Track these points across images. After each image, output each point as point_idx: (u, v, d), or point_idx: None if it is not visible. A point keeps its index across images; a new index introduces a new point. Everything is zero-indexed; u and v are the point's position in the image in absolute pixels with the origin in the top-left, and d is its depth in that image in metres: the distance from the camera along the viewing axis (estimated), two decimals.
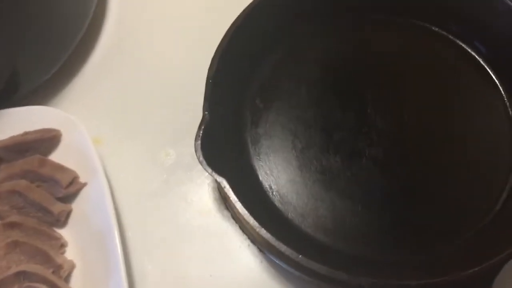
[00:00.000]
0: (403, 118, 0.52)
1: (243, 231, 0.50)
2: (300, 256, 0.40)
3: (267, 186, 0.50)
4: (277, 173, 0.50)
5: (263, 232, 0.42)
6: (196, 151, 0.44)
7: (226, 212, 0.51)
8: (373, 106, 0.53)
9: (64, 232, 0.49)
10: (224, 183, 0.43)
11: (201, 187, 0.53)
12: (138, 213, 0.52)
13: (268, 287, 0.49)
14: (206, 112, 0.47)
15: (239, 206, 0.43)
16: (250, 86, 0.53)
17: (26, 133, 0.51)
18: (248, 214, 0.42)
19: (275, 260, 0.46)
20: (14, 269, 0.45)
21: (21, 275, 0.45)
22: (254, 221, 0.42)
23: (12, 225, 0.48)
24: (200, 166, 0.53)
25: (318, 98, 0.54)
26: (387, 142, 0.51)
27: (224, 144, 0.48)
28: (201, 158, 0.44)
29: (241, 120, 0.52)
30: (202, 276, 0.49)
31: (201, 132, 0.45)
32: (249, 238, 0.50)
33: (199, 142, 0.45)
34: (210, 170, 0.44)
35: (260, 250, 0.49)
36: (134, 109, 0.57)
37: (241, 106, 0.53)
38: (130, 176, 0.53)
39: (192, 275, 0.49)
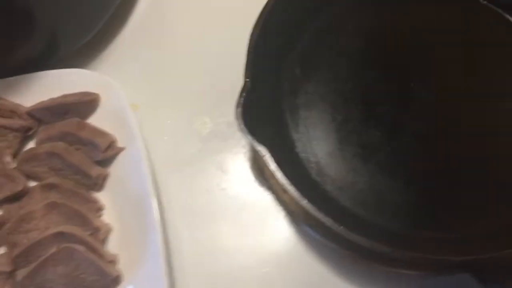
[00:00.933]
0: (447, 93, 0.51)
1: (279, 202, 0.50)
2: (342, 227, 0.39)
3: (305, 158, 0.49)
4: (315, 145, 0.49)
5: (304, 202, 0.41)
6: (237, 118, 0.44)
7: (262, 183, 0.51)
8: (416, 80, 0.51)
9: (100, 196, 0.49)
10: (264, 152, 0.43)
11: (237, 156, 0.52)
12: (173, 181, 0.51)
13: (301, 259, 0.48)
14: (248, 79, 0.46)
15: (279, 175, 0.42)
16: (290, 55, 0.52)
17: (65, 96, 0.51)
18: (288, 184, 0.42)
19: (312, 232, 0.46)
20: (52, 230, 0.46)
21: (59, 236, 0.45)
22: (295, 190, 0.42)
23: (50, 187, 0.49)
24: (236, 136, 0.54)
25: (359, 70, 0.52)
26: (429, 117, 0.50)
27: (263, 113, 0.47)
28: (242, 126, 0.43)
29: (280, 89, 0.51)
30: (235, 245, 0.49)
31: (242, 99, 0.45)
32: (285, 209, 0.49)
33: (240, 109, 0.44)
34: (250, 138, 0.43)
35: (296, 222, 0.49)
36: (172, 77, 0.56)
37: (281, 75, 0.51)
38: (166, 143, 0.53)
39: (226, 244, 0.49)
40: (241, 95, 0.45)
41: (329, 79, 0.52)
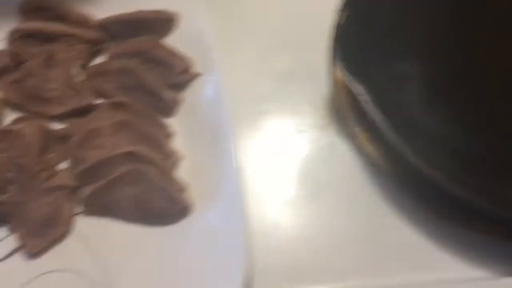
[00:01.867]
0: None
1: (359, 152, 0.46)
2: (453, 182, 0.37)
3: (397, 107, 0.44)
4: (408, 95, 0.44)
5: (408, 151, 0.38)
6: (334, 51, 0.41)
7: (341, 129, 0.48)
8: None
9: (171, 122, 0.46)
10: (363, 91, 0.40)
11: (316, 99, 0.49)
12: (247, 117, 0.48)
13: (380, 210, 0.44)
14: (349, 14, 0.43)
15: (378, 118, 0.39)
16: None
17: (141, 11, 0.48)
18: (392, 131, 0.39)
19: (399, 188, 0.43)
20: (122, 149, 0.43)
21: (130, 156, 0.43)
22: (398, 137, 0.38)
23: (119, 106, 0.46)
24: (316, 77, 0.49)
25: (456, 21, 0.48)
26: None
27: (357, 53, 0.44)
28: (340, 60, 0.41)
29: (374, 33, 0.47)
30: (306, 192, 0.46)
31: (342, 34, 0.42)
32: (366, 160, 0.46)
33: (337, 42, 0.41)
34: (348, 73, 0.40)
35: (379, 173, 0.46)
36: (253, 8, 0.53)
37: (375, 18, 0.48)
38: (240, 77, 0.50)
39: (297, 188, 0.46)
40: (341, 30, 0.42)
41: (425, 26, 0.47)
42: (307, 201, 0.46)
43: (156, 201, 0.42)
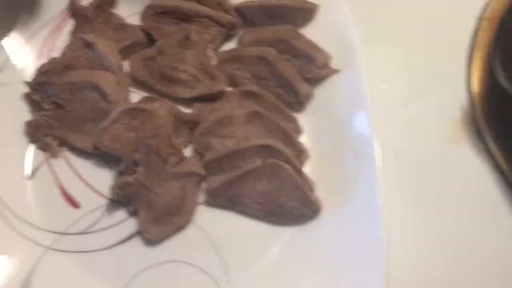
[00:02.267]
0: None
1: (497, 171, 0.43)
2: None
3: None
4: None
5: None
6: (495, 60, 0.38)
7: (476, 144, 0.44)
8: None
9: (299, 117, 0.44)
10: None
11: (451, 111, 0.46)
12: (387, 121, 0.44)
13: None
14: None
15: None
16: None
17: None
18: None
19: None
20: (257, 141, 0.41)
21: (265, 150, 0.40)
22: None
23: (250, 95, 0.44)
24: (452, 87, 0.46)
25: None
26: None
27: None
28: (499, 70, 0.37)
29: None
30: (438, 199, 0.43)
31: (505, 41, 0.38)
32: (504, 179, 0.42)
33: (502, 50, 0.38)
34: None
35: None
36: (396, 6, 0.49)
37: None
38: (376, 78, 0.46)
39: (429, 195, 0.43)
40: (503, 37, 0.39)
41: None
42: (437, 213, 0.43)
43: (288, 199, 0.40)
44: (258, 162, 0.40)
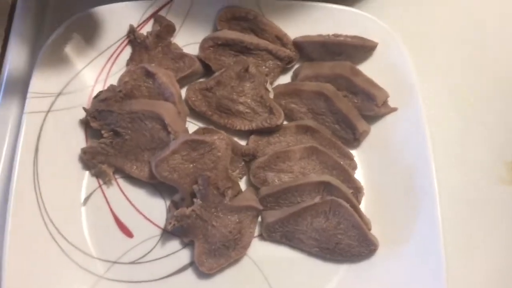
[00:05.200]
0: None
1: None
2: None
3: None
4: None
5: None
6: None
7: None
8: None
9: (355, 154, 0.44)
10: None
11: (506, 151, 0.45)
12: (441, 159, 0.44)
13: None
14: None
15: None
16: None
17: (339, 35, 0.45)
18: None
19: None
20: (316, 178, 0.40)
21: (323, 186, 0.40)
22: None
23: (306, 129, 0.44)
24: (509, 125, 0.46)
25: None
26: None
27: None
28: None
29: None
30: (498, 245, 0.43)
31: None
32: None
33: None
34: None
35: None
36: (444, 43, 0.49)
37: None
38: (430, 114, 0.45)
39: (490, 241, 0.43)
40: None
41: None
42: (495, 258, 0.42)
43: (345, 237, 0.40)
44: (316, 199, 0.40)
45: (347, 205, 0.39)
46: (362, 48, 0.45)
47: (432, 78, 0.48)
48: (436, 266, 0.38)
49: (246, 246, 0.40)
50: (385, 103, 0.44)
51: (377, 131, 0.44)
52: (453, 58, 0.49)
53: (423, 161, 0.41)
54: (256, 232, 0.41)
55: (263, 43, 0.45)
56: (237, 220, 0.40)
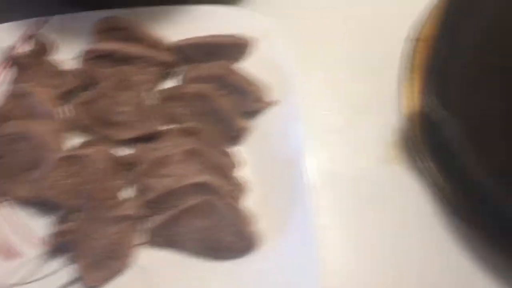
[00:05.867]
0: None
1: (435, 189, 0.43)
2: None
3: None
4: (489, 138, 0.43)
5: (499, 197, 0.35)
6: (426, 85, 0.38)
7: (413, 164, 0.45)
8: None
9: (239, 150, 0.44)
10: (452, 127, 0.37)
11: (386, 131, 0.46)
12: (316, 147, 0.45)
13: (448, 253, 0.42)
14: (439, 44, 0.40)
15: (464, 156, 0.36)
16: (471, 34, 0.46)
17: (215, 36, 0.46)
18: (483, 172, 0.36)
19: (470, 227, 0.40)
20: (193, 179, 0.41)
21: (200, 187, 0.41)
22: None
23: (189, 132, 0.44)
24: (388, 109, 0.47)
25: None
26: None
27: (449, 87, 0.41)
28: (430, 94, 0.38)
29: (459, 68, 0.44)
30: (373, 221, 0.44)
31: (433, 65, 0.39)
32: (442, 196, 0.43)
33: (432, 77, 0.39)
34: (438, 109, 0.37)
35: (453, 212, 0.43)
36: (329, 36, 0.50)
37: (460, 54, 0.45)
38: (312, 106, 0.46)
39: (367, 225, 0.44)
40: (432, 60, 0.39)
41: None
42: (372, 234, 0.43)
43: (225, 235, 0.40)
44: (193, 200, 0.40)
45: (224, 204, 0.40)
46: (238, 46, 0.45)
47: (315, 72, 0.48)
48: (309, 254, 0.38)
49: (127, 255, 0.40)
50: (261, 98, 0.44)
51: (259, 127, 0.44)
52: (336, 52, 0.50)
53: (298, 153, 0.41)
54: (144, 239, 0.42)
55: (139, 51, 0.45)
56: (117, 230, 0.40)
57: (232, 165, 0.44)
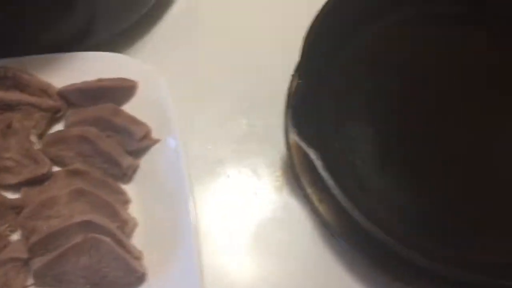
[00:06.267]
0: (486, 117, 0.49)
1: (313, 212, 0.47)
2: (395, 241, 0.37)
3: (347, 168, 0.47)
4: (357, 157, 0.47)
5: (356, 212, 0.39)
6: (288, 119, 0.42)
7: (296, 191, 0.48)
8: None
9: (127, 188, 0.46)
10: (315, 156, 0.41)
11: (272, 162, 0.50)
12: (205, 180, 0.49)
13: (331, 273, 0.45)
14: (300, 81, 0.44)
15: (330, 183, 0.40)
16: (337, 64, 0.51)
17: (101, 80, 0.48)
18: (340, 192, 0.40)
19: (347, 246, 0.44)
20: (78, 218, 0.42)
21: (85, 225, 0.42)
22: (346, 199, 0.40)
23: (76, 173, 0.46)
24: (272, 139, 0.51)
25: (404, 86, 0.51)
26: (479, 135, 0.48)
27: (311, 118, 0.46)
28: (294, 127, 0.41)
29: (326, 98, 0.49)
30: (262, 254, 0.46)
31: (295, 100, 0.43)
32: (318, 220, 0.46)
33: (292, 110, 0.43)
34: (302, 141, 0.41)
35: (331, 234, 0.46)
36: (209, 74, 0.54)
37: (327, 83, 0.50)
38: (198, 141, 0.50)
39: (253, 252, 0.46)
40: (294, 96, 0.43)
41: (375, 91, 0.50)
42: (261, 261, 0.46)
43: (111, 270, 0.41)
44: (77, 238, 0.41)
45: (108, 240, 0.41)
46: (122, 89, 0.48)
47: (192, 108, 0.51)
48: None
49: None
50: (147, 136, 0.46)
51: (146, 164, 0.47)
52: (223, 90, 0.53)
53: (182, 188, 0.44)
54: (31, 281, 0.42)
55: (25, 98, 0.47)
56: (2, 273, 0.41)
57: (120, 203, 0.45)
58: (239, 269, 0.46)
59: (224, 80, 0.54)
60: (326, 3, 0.46)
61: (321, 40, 0.47)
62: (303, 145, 0.41)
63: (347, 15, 0.50)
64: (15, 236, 0.44)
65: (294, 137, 0.42)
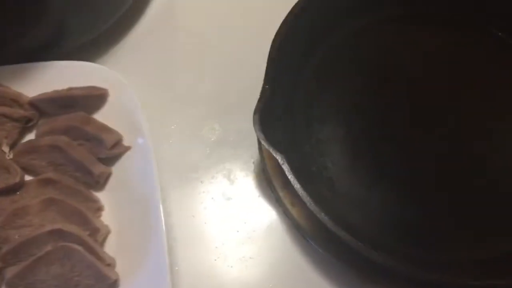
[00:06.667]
0: (468, 116, 0.50)
1: (285, 215, 0.48)
2: (362, 244, 0.38)
3: (317, 172, 0.48)
4: (328, 159, 0.48)
5: (322, 215, 0.40)
6: (254, 124, 0.42)
7: (268, 195, 0.49)
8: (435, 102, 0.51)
9: (100, 196, 0.47)
10: (282, 161, 0.41)
11: (245, 166, 0.51)
12: (177, 186, 0.49)
13: (304, 276, 0.46)
14: (267, 86, 0.45)
15: (297, 186, 0.41)
16: (308, 66, 0.51)
17: (71, 88, 0.49)
18: (306, 196, 0.40)
19: (319, 249, 0.45)
20: (49, 227, 0.43)
21: (56, 234, 0.42)
22: (312, 203, 0.40)
23: (48, 182, 0.46)
24: (245, 144, 0.52)
25: (374, 88, 0.52)
26: (446, 137, 0.49)
27: (279, 123, 0.46)
28: (260, 133, 0.42)
29: (296, 100, 0.49)
30: (237, 259, 0.47)
31: (261, 105, 0.43)
32: (291, 223, 0.47)
33: (258, 115, 0.43)
34: (268, 146, 0.42)
35: (303, 237, 0.47)
36: (181, 80, 0.54)
37: (297, 85, 0.50)
38: (171, 147, 0.51)
39: (228, 256, 0.47)
40: (260, 101, 0.44)
41: (345, 93, 0.51)
42: (234, 265, 0.47)
43: (83, 278, 0.42)
44: (48, 247, 0.42)
45: (79, 248, 0.42)
46: (93, 97, 0.48)
47: (164, 114, 0.52)
48: None
49: None
50: (118, 144, 0.47)
51: (118, 171, 0.47)
52: (196, 94, 0.53)
53: (153, 194, 0.44)
54: None
55: None
56: None
57: (92, 211, 0.46)
58: (213, 274, 0.46)
59: (196, 85, 0.54)
60: (295, 6, 0.47)
61: (290, 44, 0.47)
62: (271, 150, 0.42)
63: (317, 19, 0.50)
64: None
65: (263, 142, 0.42)
